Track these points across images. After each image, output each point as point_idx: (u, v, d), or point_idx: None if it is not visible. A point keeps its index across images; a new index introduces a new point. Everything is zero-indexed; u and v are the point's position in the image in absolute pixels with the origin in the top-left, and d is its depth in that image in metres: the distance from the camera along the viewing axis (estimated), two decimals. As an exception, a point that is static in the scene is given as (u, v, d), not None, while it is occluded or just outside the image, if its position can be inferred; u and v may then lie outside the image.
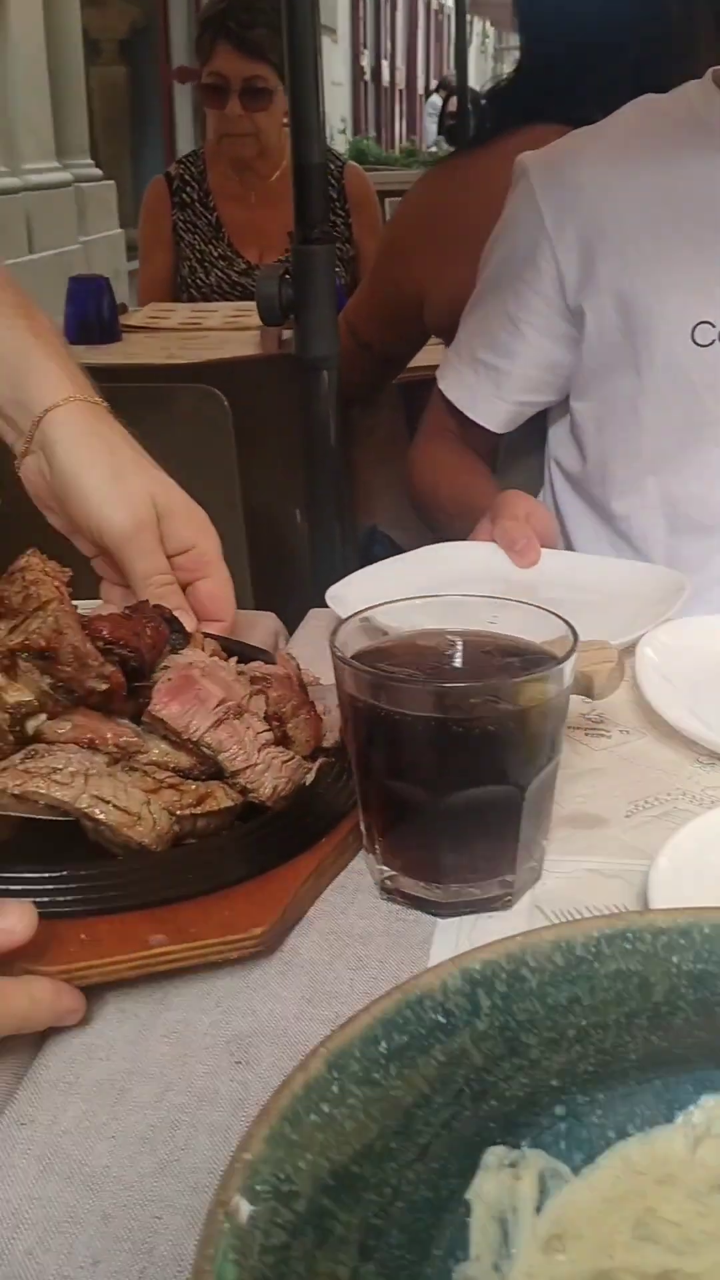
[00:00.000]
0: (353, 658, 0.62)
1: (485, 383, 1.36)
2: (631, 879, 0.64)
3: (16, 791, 0.64)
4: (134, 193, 8.73)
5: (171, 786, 0.66)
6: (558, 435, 1.39)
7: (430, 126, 16.13)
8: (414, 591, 1.02)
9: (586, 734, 0.82)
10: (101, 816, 0.62)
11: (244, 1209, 0.36)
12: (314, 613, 1.06)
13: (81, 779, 0.64)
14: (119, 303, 2.65)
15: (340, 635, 0.63)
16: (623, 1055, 0.44)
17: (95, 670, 0.68)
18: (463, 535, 1.14)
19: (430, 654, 0.66)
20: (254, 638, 0.97)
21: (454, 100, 6.52)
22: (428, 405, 1.45)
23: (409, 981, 0.45)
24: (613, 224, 1.24)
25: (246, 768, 0.67)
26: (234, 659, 0.78)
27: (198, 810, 0.65)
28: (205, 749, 0.67)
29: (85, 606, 0.76)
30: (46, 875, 0.60)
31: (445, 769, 0.60)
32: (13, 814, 0.63)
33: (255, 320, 2.65)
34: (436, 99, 15.94)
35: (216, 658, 0.78)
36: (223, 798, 0.66)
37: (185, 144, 9.89)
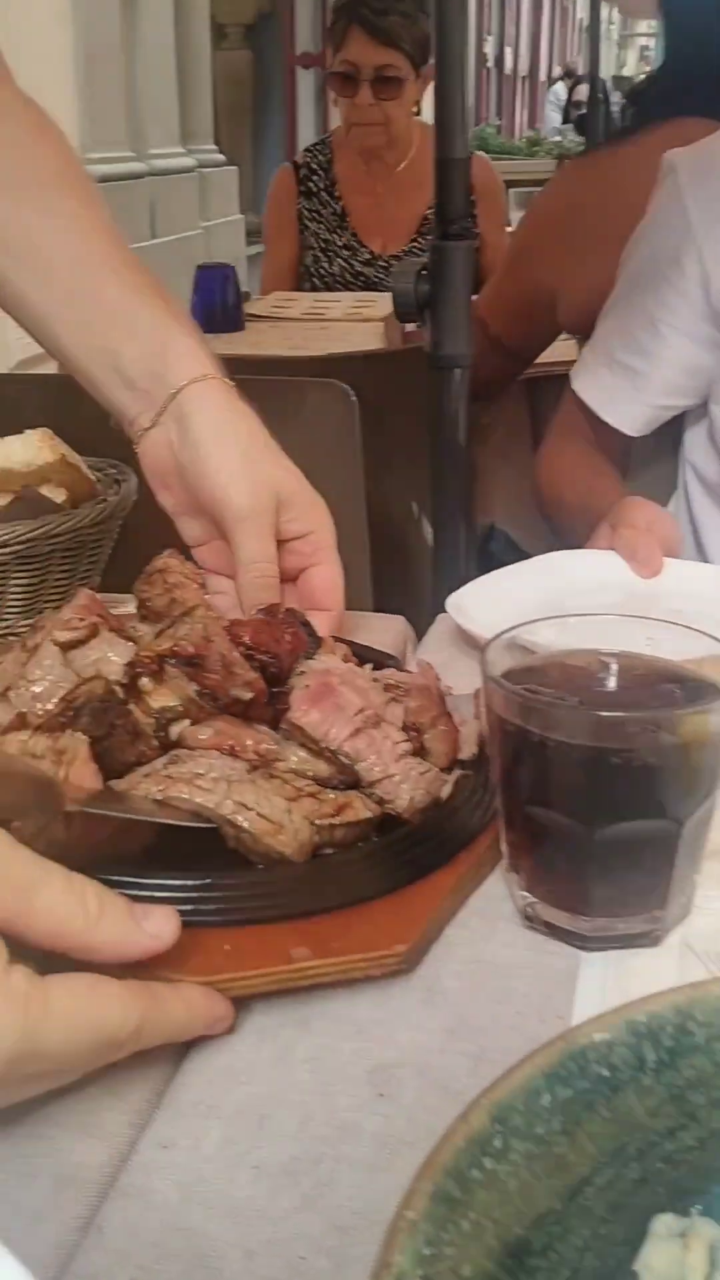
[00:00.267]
0: (502, 676, 0.60)
1: (622, 384, 1.33)
2: (787, 920, 0.61)
3: (160, 796, 0.64)
4: (255, 178, 8.77)
5: (311, 795, 0.65)
6: (694, 440, 1.35)
7: (552, 115, 15.94)
8: (533, 600, 1.01)
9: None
10: (244, 824, 0.62)
11: (410, 1274, 0.34)
12: (443, 618, 1.04)
13: (224, 785, 0.63)
14: (242, 291, 2.65)
15: (490, 653, 0.62)
16: None
17: (241, 678, 0.68)
18: (585, 538, 1.12)
19: (582, 676, 0.63)
20: (380, 642, 0.95)
21: (580, 89, 6.43)
22: (561, 403, 1.43)
23: (572, 1031, 0.43)
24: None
25: (384, 778, 0.66)
26: (368, 666, 0.77)
27: (336, 820, 0.64)
28: (343, 758, 0.66)
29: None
30: (190, 883, 0.60)
31: (599, 800, 0.58)
32: (156, 819, 0.63)
33: (378, 311, 2.65)
34: (560, 88, 15.76)
35: (351, 664, 0.77)
36: (361, 808, 0.65)
37: (306, 130, 9.91)
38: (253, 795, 0.63)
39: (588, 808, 0.58)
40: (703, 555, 1.31)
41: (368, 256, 3.10)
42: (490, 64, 18.36)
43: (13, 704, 0.68)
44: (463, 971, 0.59)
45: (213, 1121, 0.50)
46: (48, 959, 0.48)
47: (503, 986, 0.57)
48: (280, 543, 0.87)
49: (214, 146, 7.51)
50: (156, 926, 0.51)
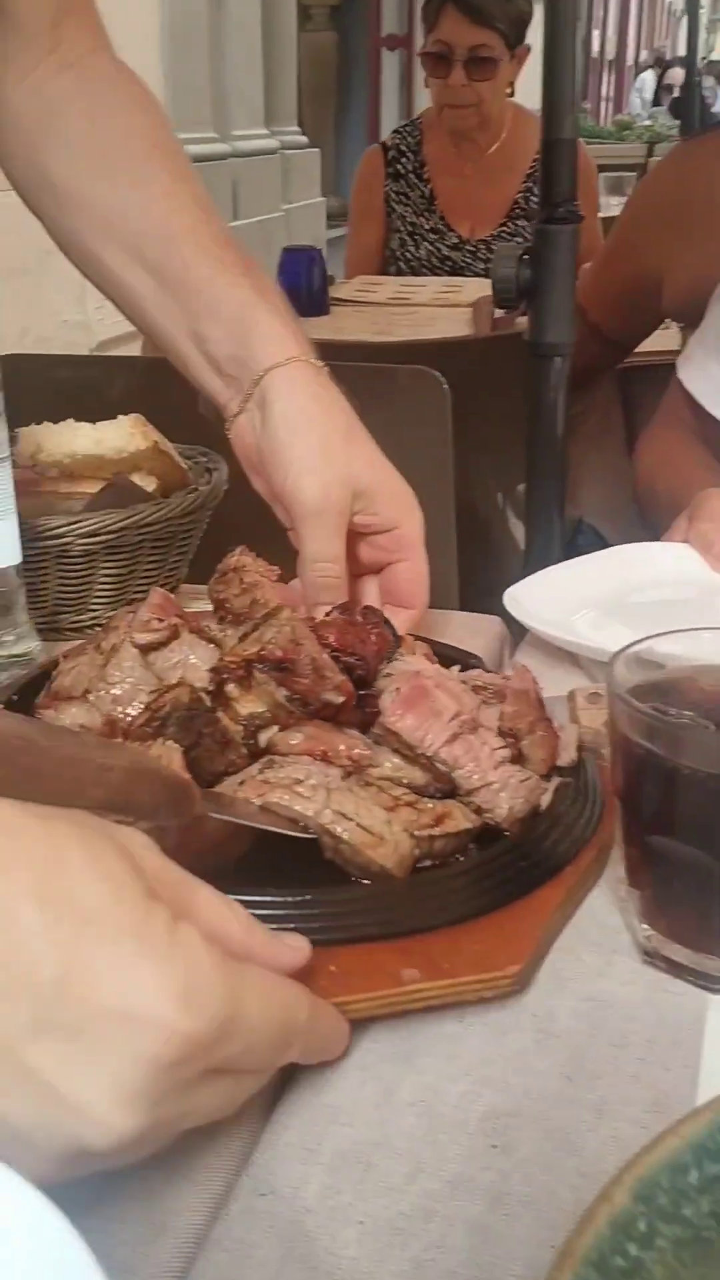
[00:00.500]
0: (629, 692, 0.56)
1: (729, 377, 1.27)
2: None
3: (258, 802, 0.61)
4: (337, 161, 8.72)
5: (409, 805, 0.62)
6: None
7: (635, 100, 15.68)
8: (595, 595, 0.97)
9: None
10: (343, 834, 0.59)
11: None
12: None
13: (323, 793, 0.61)
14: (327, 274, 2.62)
15: (618, 667, 0.57)
16: None
17: (331, 682, 0.64)
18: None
19: (715, 695, 0.59)
20: (476, 644, 0.92)
21: (670, 73, 6.32)
22: (665, 393, 1.37)
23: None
24: None
25: (482, 786, 0.63)
26: (455, 667, 0.74)
27: (436, 831, 0.61)
28: (440, 765, 0.63)
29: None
30: (291, 899, 0.56)
31: (734, 832, 0.53)
32: (269, 827, 0.60)
33: (466, 296, 2.59)
34: (649, 75, 15.50)
35: (437, 666, 0.74)
36: (461, 818, 0.62)
37: (390, 113, 9.84)
38: (352, 804, 0.60)
39: (718, 839, 0.54)
40: None
41: (455, 240, 3.04)
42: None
43: (94, 706, 0.65)
44: (578, 1010, 0.55)
45: (314, 1168, 0.47)
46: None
47: (622, 1029, 0.53)
48: (361, 536, 0.85)
49: (297, 128, 7.47)
50: (294, 940, 0.49)
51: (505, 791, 0.63)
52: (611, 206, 3.37)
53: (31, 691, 0.71)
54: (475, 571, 1.53)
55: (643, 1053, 0.52)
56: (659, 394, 1.42)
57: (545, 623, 0.90)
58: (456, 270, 3.01)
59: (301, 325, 0.89)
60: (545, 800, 0.64)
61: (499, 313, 2.17)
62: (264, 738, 0.65)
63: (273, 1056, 0.45)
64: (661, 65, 13.78)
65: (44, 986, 0.38)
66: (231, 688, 0.65)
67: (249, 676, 0.64)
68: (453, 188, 3.03)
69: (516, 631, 1.01)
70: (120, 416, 0.94)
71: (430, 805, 0.62)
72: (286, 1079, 0.51)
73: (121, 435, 0.93)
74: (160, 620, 0.68)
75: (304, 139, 7.62)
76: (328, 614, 0.75)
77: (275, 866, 0.60)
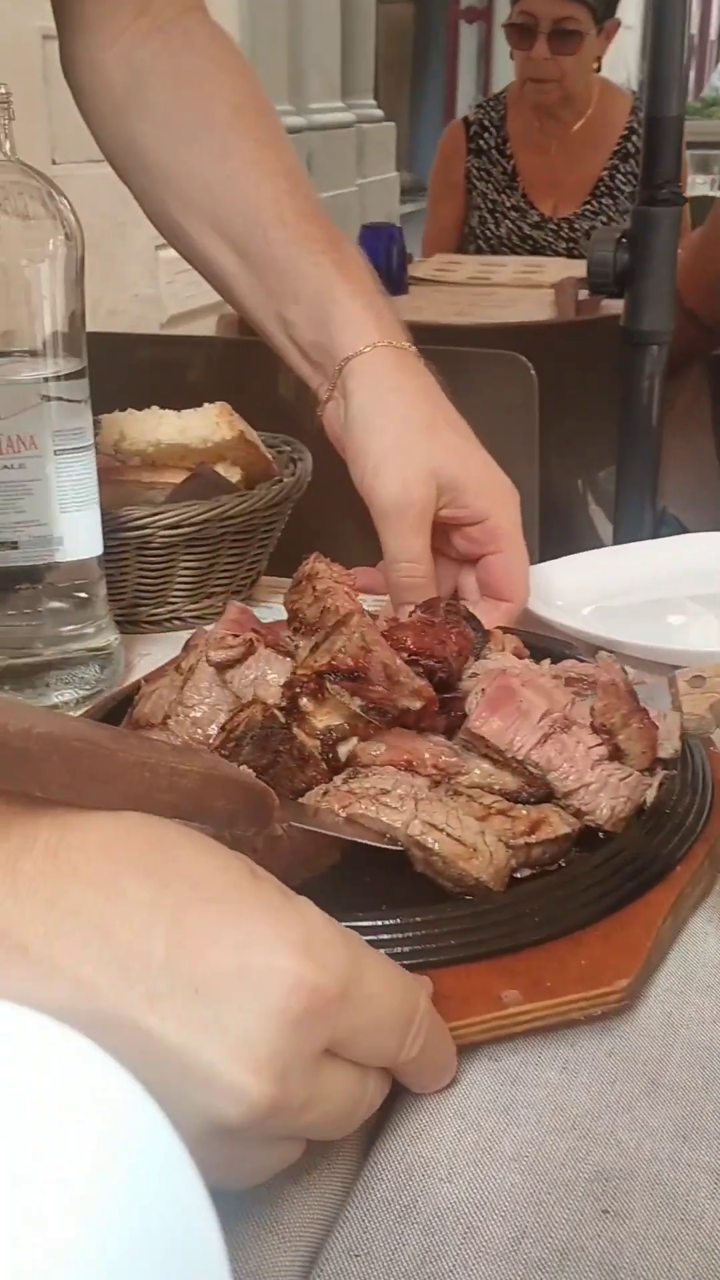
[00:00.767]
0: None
1: None
2: None
3: (344, 814, 0.58)
4: (411, 136, 8.62)
5: (501, 813, 0.59)
6: None
7: (715, 77, 15.35)
8: (622, 584, 0.93)
9: None
10: (434, 846, 0.56)
11: None
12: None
13: (411, 803, 0.58)
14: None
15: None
16: None
17: (407, 688, 0.62)
18: None
19: None
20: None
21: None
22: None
23: None
24: None
25: (579, 787, 0.60)
26: (545, 660, 0.70)
27: (532, 839, 0.58)
28: (532, 768, 0.60)
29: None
30: (380, 923, 0.53)
31: None
32: (355, 838, 0.57)
33: (548, 277, 2.54)
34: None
35: (526, 660, 0.70)
36: (559, 824, 0.59)
37: (467, 87, 9.71)
38: (442, 815, 0.57)
39: None
40: None
41: (537, 219, 2.98)
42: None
43: (174, 732, 0.62)
44: (691, 1060, 0.51)
45: (410, 1227, 0.44)
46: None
47: (739, 1082, 0.50)
48: (451, 528, 0.81)
49: (373, 102, 7.40)
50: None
51: (605, 791, 0.60)
52: (698, 185, 3.29)
53: (112, 720, 0.69)
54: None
55: (763, 1111, 0.48)
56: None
57: (558, 611, 0.87)
58: (537, 249, 2.95)
59: (390, 303, 0.85)
60: (650, 796, 0.61)
61: (583, 294, 2.12)
62: (343, 750, 0.62)
63: (394, 1044, 0.43)
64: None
65: (156, 954, 0.37)
66: (305, 701, 0.62)
67: (321, 689, 0.62)
68: (536, 164, 2.97)
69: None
70: (206, 405, 0.91)
71: (524, 812, 0.59)
72: (378, 1126, 0.48)
73: (207, 424, 0.90)
74: (235, 636, 0.66)
75: (379, 113, 7.54)
76: (410, 613, 0.72)
77: (359, 883, 0.58)
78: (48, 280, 0.72)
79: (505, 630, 0.74)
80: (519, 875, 0.58)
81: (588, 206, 2.94)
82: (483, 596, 0.82)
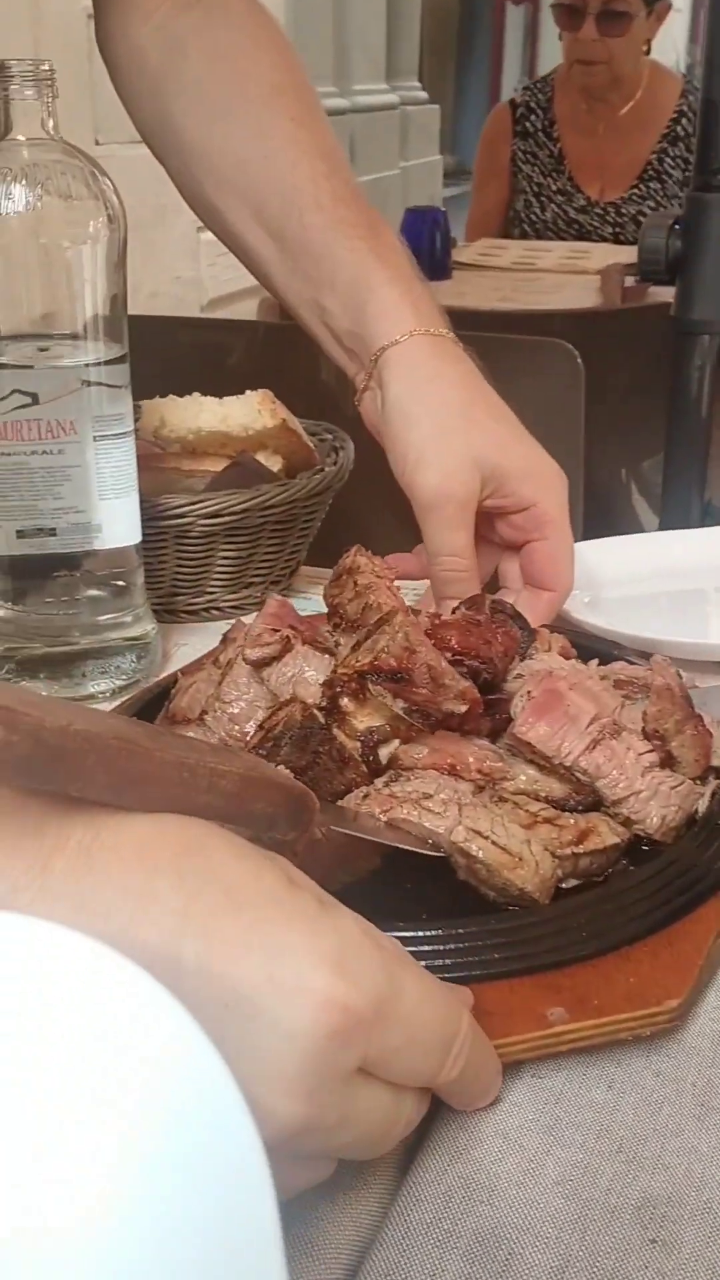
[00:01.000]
0: None
1: None
2: None
3: (384, 818, 0.56)
4: (455, 118, 8.56)
5: (547, 821, 0.57)
6: None
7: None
8: (631, 575, 0.91)
9: None
10: (478, 854, 0.54)
11: None
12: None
13: (455, 809, 0.57)
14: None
15: None
16: None
17: (452, 690, 0.60)
18: None
19: None
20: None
21: None
22: None
23: None
24: None
25: (629, 795, 0.58)
26: (594, 661, 0.68)
27: (580, 849, 0.56)
28: (580, 775, 0.58)
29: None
30: (421, 935, 0.52)
31: None
32: (396, 844, 0.56)
33: (593, 263, 2.50)
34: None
35: (573, 661, 0.69)
36: (608, 833, 0.57)
37: (512, 70, 9.62)
38: (487, 821, 0.56)
39: None
40: None
41: (583, 203, 2.94)
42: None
43: (210, 729, 0.61)
44: (742, 1081, 0.49)
45: (449, 1253, 0.42)
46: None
47: None
48: (496, 517, 0.79)
49: (418, 84, 7.34)
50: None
51: (655, 800, 0.58)
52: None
53: (149, 713, 0.67)
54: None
55: None
56: None
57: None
58: (583, 234, 2.91)
59: (428, 289, 0.83)
60: (702, 806, 0.59)
61: (630, 281, 2.08)
62: (384, 753, 0.61)
63: (433, 1065, 0.41)
64: None
65: (186, 962, 0.36)
66: (346, 702, 0.61)
67: (363, 689, 0.60)
68: (583, 147, 2.93)
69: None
70: (248, 391, 0.90)
71: (572, 820, 0.57)
72: (417, 1144, 0.46)
73: (249, 412, 0.88)
74: (274, 631, 0.64)
75: (424, 95, 7.48)
76: (454, 610, 0.70)
77: (400, 889, 0.56)
78: (89, 262, 0.71)
79: (552, 629, 0.72)
80: (564, 886, 0.56)
81: (635, 191, 2.90)
82: (525, 585, 0.80)
